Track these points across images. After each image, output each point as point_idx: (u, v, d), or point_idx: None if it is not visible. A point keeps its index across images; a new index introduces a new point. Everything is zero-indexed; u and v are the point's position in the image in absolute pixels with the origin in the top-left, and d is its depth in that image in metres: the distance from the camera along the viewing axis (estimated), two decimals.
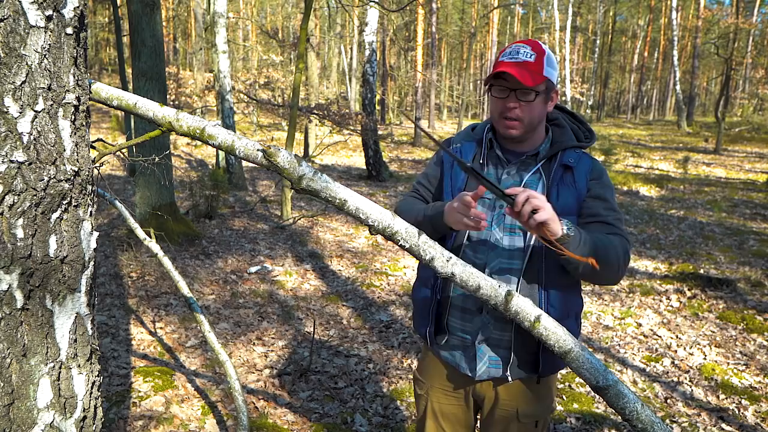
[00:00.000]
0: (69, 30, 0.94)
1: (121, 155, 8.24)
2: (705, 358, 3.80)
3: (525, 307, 1.16)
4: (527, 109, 1.48)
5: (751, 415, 3.12)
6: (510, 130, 1.51)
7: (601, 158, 13.92)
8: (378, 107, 18.68)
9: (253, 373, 3.42)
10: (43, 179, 0.92)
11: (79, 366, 1.04)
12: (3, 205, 0.89)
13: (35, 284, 0.94)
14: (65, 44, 0.94)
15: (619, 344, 4.00)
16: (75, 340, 1.02)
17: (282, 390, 3.23)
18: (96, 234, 1.07)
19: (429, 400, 1.73)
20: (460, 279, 1.16)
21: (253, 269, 5.31)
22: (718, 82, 37.43)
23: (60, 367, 1.00)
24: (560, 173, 1.51)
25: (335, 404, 3.09)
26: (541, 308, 1.43)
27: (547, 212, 1.28)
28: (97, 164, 1.15)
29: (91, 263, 1.06)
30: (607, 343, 4.02)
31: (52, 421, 1.00)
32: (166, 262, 2.46)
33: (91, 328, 1.07)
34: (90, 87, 1.09)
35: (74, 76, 0.96)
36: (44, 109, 0.92)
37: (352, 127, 10.68)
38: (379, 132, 11.72)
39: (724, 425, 3.02)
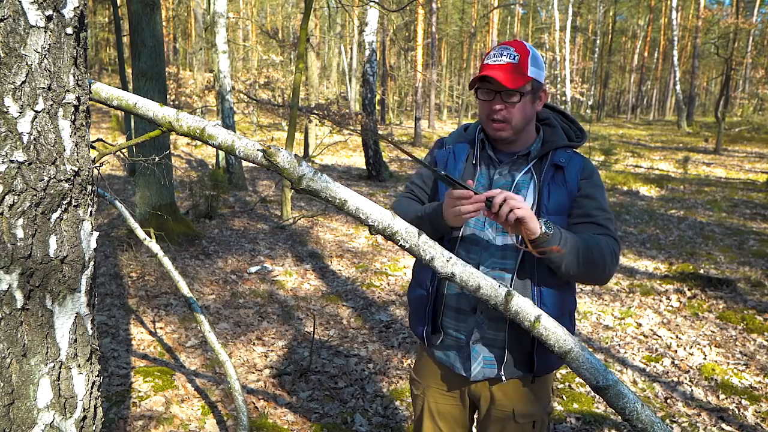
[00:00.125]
0: (69, 30, 0.94)
1: (121, 155, 8.24)
2: (705, 358, 3.80)
3: (525, 307, 1.16)
4: (513, 111, 1.49)
5: (751, 415, 3.12)
6: (498, 132, 1.52)
7: (601, 158, 13.94)
8: (378, 107, 18.68)
9: (253, 373, 3.42)
10: (43, 179, 0.92)
11: (79, 366, 1.04)
12: (3, 205, 0.89)
13: (35, 284, 0.94)
14: (65, 44, 0.94)
15: (619, 344, 4.00)
16: (75, 340, 1.02)
17: (282, 390, 3.23)
18: (96, 234, 1.07)
19: (426, 401, 1.73)
20: (460, 279, 1.16)
21: (253, 269, 5.31)
22: (718, 82, 37.43)
23: (60, 367, 1.00)
24: (551, 173, 1.52)
25: (335, 404, 3.09)
26: None
27: (523, 210, 1.32)
28: (97, 164, 1.15)
29: (91, 263, 1.06)
30: (607, 343, 4.02)
31: (52, 421, 1.00)
32: (166, 262, 2.46)
33: (91, 328, 1.07)
34: (90, 87, 1.09)
35: (74, 76, 0.96)
36: (44, 109, 0.92)
37: (352, 127, 10.68)
38: (379, 132, 11.70)
39: (724, 425, 3.02)
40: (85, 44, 1.00)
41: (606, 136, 20.91)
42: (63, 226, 0.97)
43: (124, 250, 5.40)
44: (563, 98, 27.33)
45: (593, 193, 1.52)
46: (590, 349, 2.52)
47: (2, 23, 0.86)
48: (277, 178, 10.27)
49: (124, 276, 4.91)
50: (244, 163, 10.30)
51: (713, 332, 4.22)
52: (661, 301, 4.87)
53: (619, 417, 1.90)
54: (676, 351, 3.91)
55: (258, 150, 1.07)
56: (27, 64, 0.89)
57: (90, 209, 1.04)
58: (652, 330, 4.26)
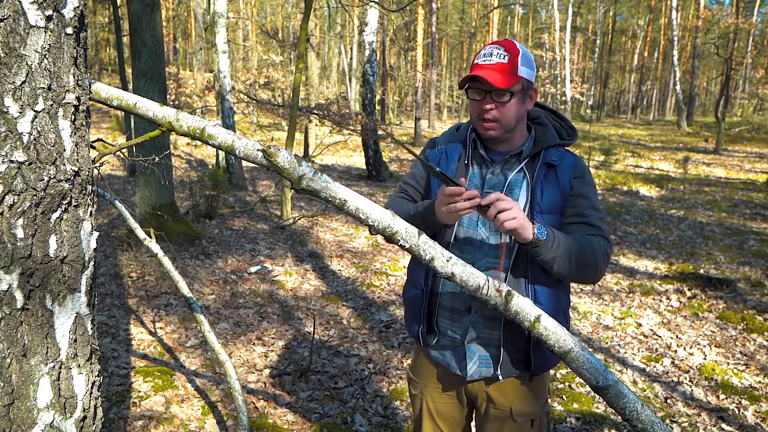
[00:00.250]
0: (69, 30, 0.94)
1: (121, 155, 8.24)
2: (705, 358, 3.80)
3: (525, 307, 1.16)
4: (504, 110, 1.49)
5: (751, 415, 3.12)
6: (489, 131, 1.53)
7: (601, 158, 13.93)
8: (378, 107, 18.68)
9: (253, 373, 3.42)
10: (43, 179, 0.92)
11: (79, 366, 1.04)
12: (3, 205, 0.89)
13: (35, 284, 0.94)
14: (65, 44, 0.94)
15: (619, 344, 4.00)
16: (75, 340, 1.02)
17: (282, 390, 3.23)
18: (96, 234, 1.07)
19: (424, 400, 1.74)
20: (460, 279, 1.16)
21: (253, 269, 5.31)
22: (718, 82, 37.43)
23: (60, 367, 1.00)
24: (544, 171, 1.53)
25: (335, 404, 3.09)
26: None
27: (515, 222, 1.33)
28: (97, 164, 1.15)
29: (91, 263, 1.06)
30: (607, 343, 4.02)
31: (52, 421, 1.00)
32: (166, 262, 2.46)
33: (91, 328, 1.07)
34: (90, 87, 1.09)
35: (74, 76, 0.96)
36: (44, 109, 0.92)
37: (352, 127, 10.68)
38: (379, 132, 11.71)
39: (724, 425, 3.02)
40: (85, 44, 1.00)
41: (606, 136, 20.91)
42: (63, 226, 0.97)
43: (124, 250, 5.40)
44: (563, 98, 27.32)
45: (586, 192, 1.53)
46: (590, 349, 2.52)
47: (2, 23, 0.86)
48: (277, 178, 10.27)
49: (124, 276, 4.91)
50: (244, 163, 10.30)
51: (713, 332, 4.22)
52: (661, 301, 4.87)
53: (619, 417, 1.90)
54: (676, 351, 3.91)
55: (258, 150, 1.07)
56: (27, 64, 0.89)
57: (90, 209, 1.04)
58: (652, 330, 4.26)
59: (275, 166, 1.06)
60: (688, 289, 5.06)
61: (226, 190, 8.19)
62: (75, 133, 0.98)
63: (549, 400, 1.69)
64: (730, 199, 9.66)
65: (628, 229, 7.45)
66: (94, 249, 1.06)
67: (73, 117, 0.97)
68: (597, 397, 3.24)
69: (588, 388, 3.30)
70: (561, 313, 1.57)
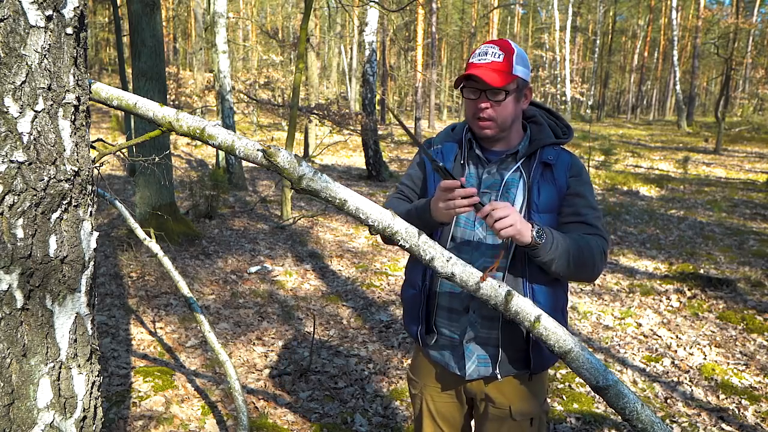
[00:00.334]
0: (69, 30, 0.94)
1: (121, 155, 8.24)
2: (705, 358, 3.80)
3: (525, 307, 1.16)
4: (499, 109, 1.50)
5: (751, 415, 3.12)
6: (484, 130, 1.53)
7: (601, 158, 13.93)
8: (378, 107, 18.68)
9: (253, 373, 3.42)
10: (43, 179, 0.92)
11: (79, 366, 1.04)
12: (3, 205, 0.89)
13: (35, 284, 0.94)
14: (65, 44, 0.94)
15: (619, 344, 4.00)
16: (75, 340, 1.02)
17: (282, 390, 3.23)
18: (96, 234, 1.07)
19: (424, 400, 1.74)
20: (460, 279, 1.16)
21: (253, 269, 5.31)
22: (718, 82, 37.44)
23: (60, 367, 1.00)
24: (540, 171, 1.53)
25: (335, 404, 3.09)
26: None
27: (513, 229, 1.32)
28: (97, 164, 1.15)
29: (91, 263, 1.06)
30: (607, 343, 4.02)
31: (52, 421, 1.00)
32: (166, 262, 2.46)
33: (91, 328, 1.07)
34: (90, 87, 1.09)
35: (74, 76, 0.96)
36: (44, 109, 0.92)
37: (352, 127, 10.68)
38: (379, 132, 11.71)
39: (724, 425, 3.02)
40: (85, 44, 1.00)
41: (606, 136, 20.90)
42: (63, 226, 0.97)
43: (124, 250, 5.40)
44: (563, 98, 27.34)
45: (582, 191, 1.54)
46: (590, 349, 2.52)
47: (2, 23, 0.86)
48: (277, 178, 10.27)
49: (124, 276, 4.91)
50: (244, 163, 10.30)
51: (713, 332, 4.22)
52: (661, 301, 4.87)
53: (619, 417, 1.90)
54: (676, 351, 3.91)
55: (258, 150, 1.07)
56: (27, 64, 0.89)
57: (90, 209, 1.04)
58: (652, 330, 4.26)
59: (275, 166, 1.06)
60: (688, 289, 5.06)
61: (226, 190, 8.19)
62: (75, 133, 0.98)
63: (548, 399, 1.69)
64: (730, 199, 9.66)
65: (628, 229, 7.45)
66: (94, 249, 1.06)
67: (73, 117, 0.97)
68: (597, 397, 3.24)
69: (588, 388, 3.30)
70: (559, 311, 1.57)
